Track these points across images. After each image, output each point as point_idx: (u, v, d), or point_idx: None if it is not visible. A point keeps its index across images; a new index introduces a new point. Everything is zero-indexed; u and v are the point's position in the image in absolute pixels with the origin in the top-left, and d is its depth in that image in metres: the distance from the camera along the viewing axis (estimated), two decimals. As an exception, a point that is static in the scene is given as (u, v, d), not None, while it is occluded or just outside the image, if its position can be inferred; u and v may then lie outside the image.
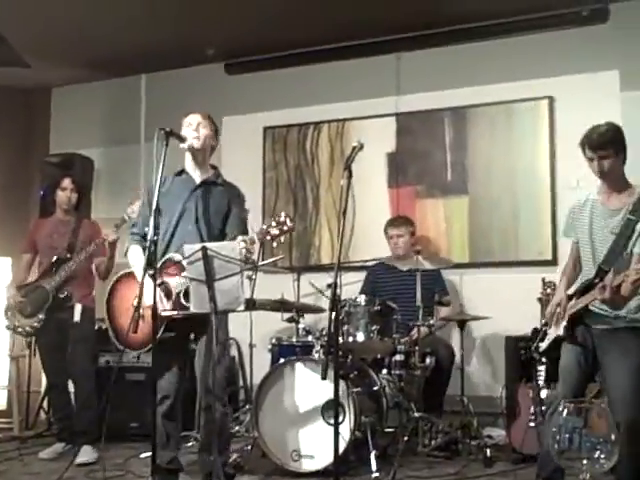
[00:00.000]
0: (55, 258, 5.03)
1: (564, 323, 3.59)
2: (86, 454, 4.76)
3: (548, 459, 3.46)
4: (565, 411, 2.48)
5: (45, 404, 5.97)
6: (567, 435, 2.43)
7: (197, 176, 4.05)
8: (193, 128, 3.99)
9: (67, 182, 5.19)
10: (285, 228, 3.82)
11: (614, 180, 3.57)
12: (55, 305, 4.97)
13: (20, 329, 5.05)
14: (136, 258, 3.94)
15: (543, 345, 3.76)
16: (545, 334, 3.78)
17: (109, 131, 7.02)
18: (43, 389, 6.02)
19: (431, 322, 4.99)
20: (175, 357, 3.96)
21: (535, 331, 4.07)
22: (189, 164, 4.07)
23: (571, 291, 3.66)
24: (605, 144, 3.49)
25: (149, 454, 4.42)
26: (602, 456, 2.41)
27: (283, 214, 3.86)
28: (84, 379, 5.03)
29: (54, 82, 7.21)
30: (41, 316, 4.96)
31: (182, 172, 4.08)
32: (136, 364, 5.49)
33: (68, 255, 5.02)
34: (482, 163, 5.82)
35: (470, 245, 5.80)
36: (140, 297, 3.57)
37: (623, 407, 3.38)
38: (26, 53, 6.21)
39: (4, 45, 5.94)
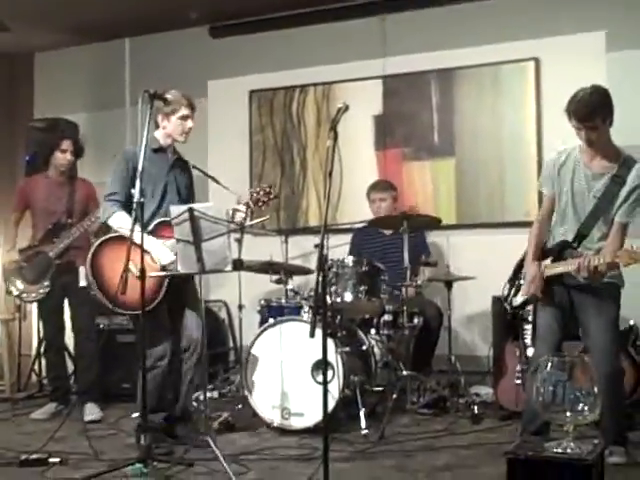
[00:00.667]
0: (54, 223, 5.03)
1: (540, 284, 3.65)
2: (93, 412, 4.91)
3: (533, 415, 3.55)
4: (549, 365, 2.54)
5: (36, 367, 6.00)
6: (551, 388, 2.50)
7: (170, 153, 4.21)
8: (188, 127, 4.12)
9: (67, 144, 5.14)
10: (271, 197, 4.07)
11: (601, 147, 3.58)
12: (57, 271, 5.00)
13: (25, 295, 5.08)
14: (126, 222, 3.90)
15: (517, 300, 3.82)
16: (518, 289, 3.84)
17: (94, 96, 6.97)
18: (34, 352, 6.05)
19: (418, 282, 5.03)
20: (165, 319, 4.02)
21: (509, 286, 4.09)
22: (163, 141, 4.16)
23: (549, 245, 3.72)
24: (592, 115, 3.48)
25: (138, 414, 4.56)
26: (585, 408, 2.48)
27: (266, 185, 4.15)
28: (88, 340, 5.11)
29: (37, 47, 7.13)
30: (46, 283, 5.00)
31: (159, 149, 4.15)
32: (127, 326, 5.54)
33: (68, 220, 5.02)
34: (469, 125, 5.82)
35: (457, 207, 5.83)
36: (128, 258, 3.60)
37: (604, 360, 3.46)
38: (7, 17, 6.15)
39: (-17, 9, 5.88)
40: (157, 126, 4.15)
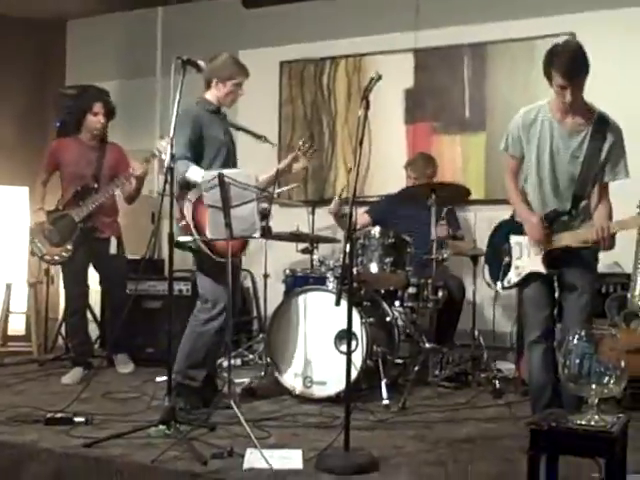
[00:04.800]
0: (82, 186, 5.07)
1: (541, 258, 3.54)
2: (126, 366, 5.18)
3: (539, 390, 3.58)
4: (576, 337, 2.52)
5: (63, 330, 6.09)
6: (577, 360, 2.48)
7: (223, 116, 4.25)
8: (241, 93, 4.17)
9: (99, 106, 5.17)
10: (314, 147, 4.28)
11: (578, 104, 3.43)
12: (82, 235, 5.04)
13: (48, 257, 5.12)
14: (202, 173, 3.88)
15: (513, 279, 3.67)
16: (509, 267, 3.68)
17: (125, 64, 7.01)
18: (60, 316, 6.14)
19: (445, 256, 5.01)
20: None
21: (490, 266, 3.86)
22: (217, 103, 4.18)
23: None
24: (580, 71, 3.33)
25: (164, 378, 4.62)
26: (611, 382, 2.46)
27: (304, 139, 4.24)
28: (121, 308, 5.04)
29: (70, 14, 7.17)
30: (69, 246, 5.03)
31: (217, 110, 4.19)
32: (152, 292, 5.60)
33: (95, 184, 5.06)
34: (501, 100, 5.77)
35: (486, 182, 5.80)
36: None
37: (580, 316, 3.45)
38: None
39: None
40: (208, 87, 4.17)
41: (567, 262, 3.53)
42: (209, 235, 3.74)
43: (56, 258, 5.09)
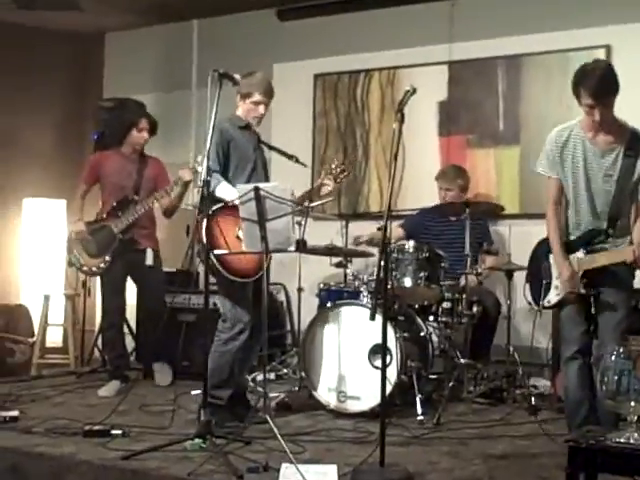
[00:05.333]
0: (121, 198, 5.12)
1: (579, 281, 3.50)
2: (164, 376, 5.26)
3: (575, 407, 3.55)
4: (614, 354, 2.50)
5: (99, 342, 6.14)
6: (615, 377, 2.46)
7: (254, 133, 4.25)
8: (260, 113, 4.17)
9: (145, 122, 5.26)
10: (346, 172, 4.23)
11: (609, 118, 3.41)
12: (121, 247, 5.09)
13: (86, 268, 5.17)
14: (232, 190, 3.94)
15: (551, 299, 3.64)
16: (549, 287, 3.65)
17: (161, 76, 7.08)
18: (97, 328, 6.20)
19: (479, 270, 4.99)
20: (251, 291, 4.10)
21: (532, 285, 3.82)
22: (246, 119, 4.20)
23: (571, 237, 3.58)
24: (609, 91, 3.32)
25: (199, 391, 4.64)
26: (650, 398, 2.43)
27: (339, 162, 4.22)
28: (158, 319, 5.23)
29: (108, 27, 7.28)
30: (107, 257, 5.08)
31: (246, 126, 4.19)
32: (188, 306, 5.64)
33: (135, 197, 5.12)
34: (535, 113, 5.73)
35: (520, 196, 5.76)
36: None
37: (615, 333, 3.41)
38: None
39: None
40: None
41: (603, 280, 3.50)
42: (244, 248, 3.76)
43: (94, 269, 5.14)
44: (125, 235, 5.08)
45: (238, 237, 3.90)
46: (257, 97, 4.14)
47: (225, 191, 3.97)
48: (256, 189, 3.61)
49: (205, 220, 3.83)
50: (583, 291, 3.50)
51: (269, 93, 4.19)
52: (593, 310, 3.56)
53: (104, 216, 5.17)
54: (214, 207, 3.90)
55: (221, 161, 4.04)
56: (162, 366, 5.34)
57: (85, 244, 5.12)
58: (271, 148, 4.51)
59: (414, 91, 3.43)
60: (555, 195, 3.60)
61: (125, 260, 5.11)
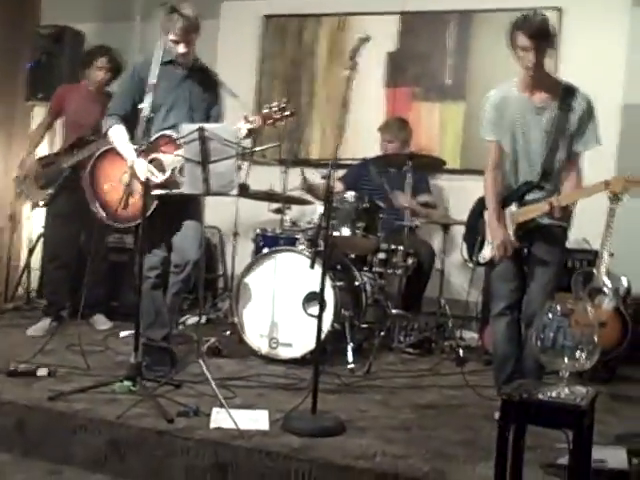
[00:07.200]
0: (79, 137, 4.97)
1: (512, 232, 3.55)
2: (104, 322, 5.17)
3: (503, 361, 3.64)
4: (551, 311, 2.53)
5: (24, 279, 5.96)
6: (551, 334, 2.49)
7: (182, 66, 4.01)
8: (179, 52, 3.90)
9: (103, 61, 5.06)
10: (287, 113, 3.84)
11: (542, 77, 3.45)
12: (67, 183, 4.95)
13: (31, 197, 5.13)
14: (121, 136, 3.89)
15: (485, 256, 3.68)
16: (482, 243, 3.70)
17: (103, 6, 6.78)
18: (22, 263, 6.02)
19: (416, 223, 5.00)
20: (162, 233, 3.97)
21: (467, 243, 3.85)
22: (175, 54, 3.96)
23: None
24: (547, 36, 3.36)
25: (127, 333, 4.56)
26: (583, 355, 2.47)
27: (284, 100, 3.87)
28: (100, 257, 5.20)
29: (47, -49, 6.92)
30: (50, 191, 4.98)
31: (169, 62, 3.96)
32: (119, 245, 5.51)
33: (92, 137, 4.93)
34: (483, 71, 5.73)
35: (462, 152, 5.78)
36: (133, 173, 3.59)
37: (544, 290, 3.48)
38: None
39: None
40: None
41: (537, 237, 3.56)
42: (185, 190, 3.65)
43: (40, 203, 5.08)
44: (74, 171, 4.92)
45: (123, 181, 3.84)
46: (172, 36, 3.87)
47: (115, 134, 3.90)
48: (200, 129, 3.49)
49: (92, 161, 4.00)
50: (517, 244, 3.55)
51: (184, 33, 3.85)
52: (525, 267, 3.62)
53: (58, 152, 5.09)
54: (102, 149, 3.97)
55: (129, 101, 3.90)
56: (99, 317, 5.21)
57: (37, 176, 5.04)
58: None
59: (367, 39, 3.38)
60: (495, 158, 3.62)
61: (76, 198, 4.90)
